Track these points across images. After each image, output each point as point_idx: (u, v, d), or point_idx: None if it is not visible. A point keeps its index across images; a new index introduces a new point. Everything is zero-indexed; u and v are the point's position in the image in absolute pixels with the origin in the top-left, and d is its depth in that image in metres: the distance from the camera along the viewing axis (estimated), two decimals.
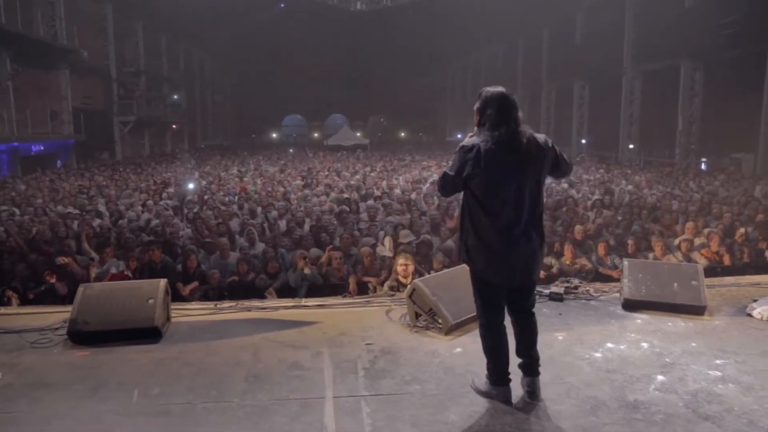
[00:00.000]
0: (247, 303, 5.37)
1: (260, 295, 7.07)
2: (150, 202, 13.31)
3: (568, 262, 7.91)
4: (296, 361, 4.03)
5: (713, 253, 8.37)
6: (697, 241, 8.81)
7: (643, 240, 8.83)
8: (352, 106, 63.92)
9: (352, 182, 17.04)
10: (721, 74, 22.23)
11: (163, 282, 4.82)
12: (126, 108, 31.50)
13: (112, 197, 14.22)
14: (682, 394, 3.52)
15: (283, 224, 10.58)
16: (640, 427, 3.16)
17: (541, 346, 4.12)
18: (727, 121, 21.50)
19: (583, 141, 33.48)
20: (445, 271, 5.18)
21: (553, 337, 4.42)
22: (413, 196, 13.60)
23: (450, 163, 3.30)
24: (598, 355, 4.11)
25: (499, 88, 3.26)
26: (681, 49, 23.19)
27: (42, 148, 24.11)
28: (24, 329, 4.75)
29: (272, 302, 5.46)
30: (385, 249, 7.48)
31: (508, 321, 3.46)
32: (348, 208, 11.64)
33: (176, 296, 7.09)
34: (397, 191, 14.62)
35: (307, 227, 10.08)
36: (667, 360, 4.03)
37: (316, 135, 64.07)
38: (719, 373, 3.81)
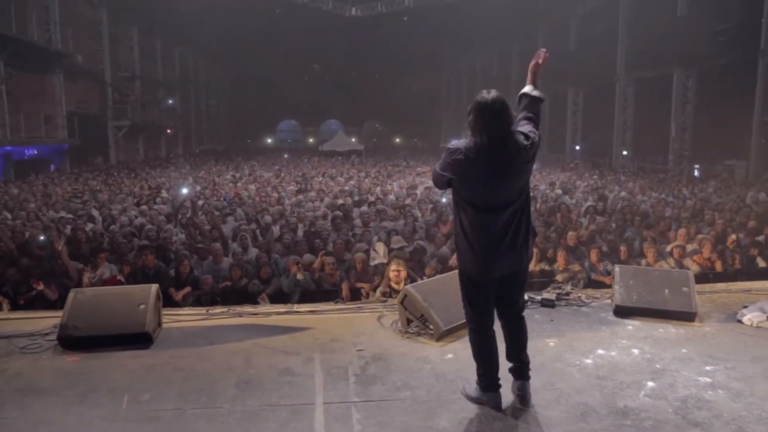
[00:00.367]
0: (239, 308, 5.36)
1: (253, 300, 7.06)
2: (144, 207, 13.29)
3: (560, 269, 7.93)
4: (287, 367, 4.03)
5: (705, 260, 8.42)
6: (690, 248, 8.85)
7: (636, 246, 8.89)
8: (348, 112, 63.97)
9: (346, 188, 17.06)
10: (714, 81, 22.39)
11: (154, 287, 4.81)
12: (120, 112, 31.45)
13: (104, 202, 14.16)
14: (671, 401, 3.53)
15: (276, 230, 10.57)
16: None
17: (532, 353, 4.13)
18: (720, 128, 21.64)
19: (577, 147, 33.61)
20: (437, 277, 5.19)
21: (544, 344, 4.43)
22: (408, 201, 13.62)
23: (440, 162, 3.33)
24: (588, 361, 4.12)
25: (489, 94, 3.23)
26: (673, 56, 23.35)
27: (35, 152, 24.02)
28: (14, 334, 4.73)
29: (264, 308, 5.45)
30: (378, 255, 7.47)
31: (497, 327, 3.47)
32: (342, 214, 11.65)
33: (169, 301, 7.10)
34: (392, 197, 14.64)
35: (300, 233, 10.08)
36: (658, 366, 4.04)
37: (311, 140, 64.18)
38: (709, 380, 3.82)
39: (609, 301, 5.38)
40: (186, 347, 4.49)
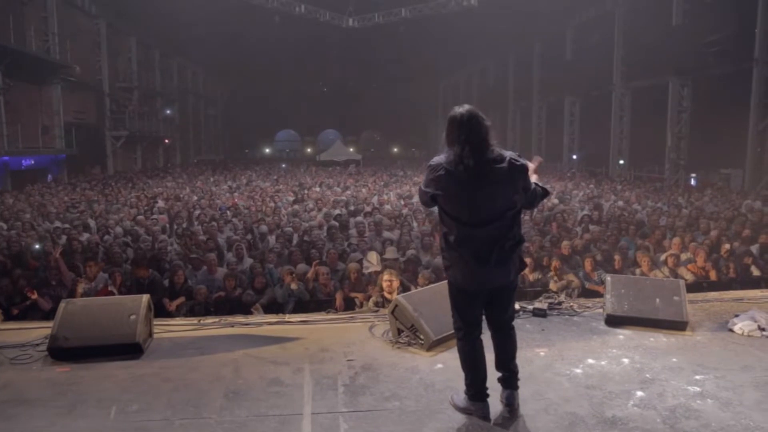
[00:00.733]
0: (230, 319, 5.36)
1: (247, 310, 7.06)
2: (140, 217, 13.29)
3: (555, 278, 7.94)
4: (276, 377, 4.02)
5: (699, 268, 8.43)
6: (684, 257, 8.87)
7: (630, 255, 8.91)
8: (346, 122, 64.08)
9: (343, 198, 17.08)
10: (709, 91, 22.48)
11: (145, 298, 4.81)
12: (118, 123, 31.47)
13: (100, 212, 14.16)
14: (660, 410, 3.53)
15: (272, 240, 10.58)
16: None
17: (522, 362, 4.14)
18: (716, 136, 21.69)
19: (574, 156, 33.68)
20: (428, 287, 5.19)
21: (535, 353, 4.43)
22: (404, 211, 13.64)
23: (424, 179, 3.38)
24: (578, 371, 4.12)
25: (461, 109, 3.28)
26: (669, 66, 23.44)
27: (33, 162, 24.02)
28: (5, 345, 4.72)
29: (256, 318, 5.45)
30: (371, 264, 7.47)
31: (486, 336, 3.47)
32: (338, 224, 11.66)
33: (162, 311, 7.10)
34: (388, 207, 14.65)
35: (295, 243, 10.09)
36: (647, 376, 4.04)
37: (309, 150, 64.22)
38: (698, 389, 3.82)
39: (601, 310, 5.39)
40: (176, 358, 4.48)
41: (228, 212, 13.70)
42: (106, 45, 30.84)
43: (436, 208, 3.43)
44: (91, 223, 12.53)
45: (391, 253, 8.21)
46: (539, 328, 5.03)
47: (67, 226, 11.85)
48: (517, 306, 5.42)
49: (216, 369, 4.22)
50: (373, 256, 7.78)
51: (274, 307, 7.24)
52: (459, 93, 53.99)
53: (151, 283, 7.51)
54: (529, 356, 4.36)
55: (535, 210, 13.78)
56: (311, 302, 7.30)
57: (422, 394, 3.73)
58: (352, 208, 14.51)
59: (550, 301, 5.58)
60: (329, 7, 31.28)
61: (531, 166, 3.52)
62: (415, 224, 11.85)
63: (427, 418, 3.42)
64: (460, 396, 3.49)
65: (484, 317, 3.48)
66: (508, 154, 3.27)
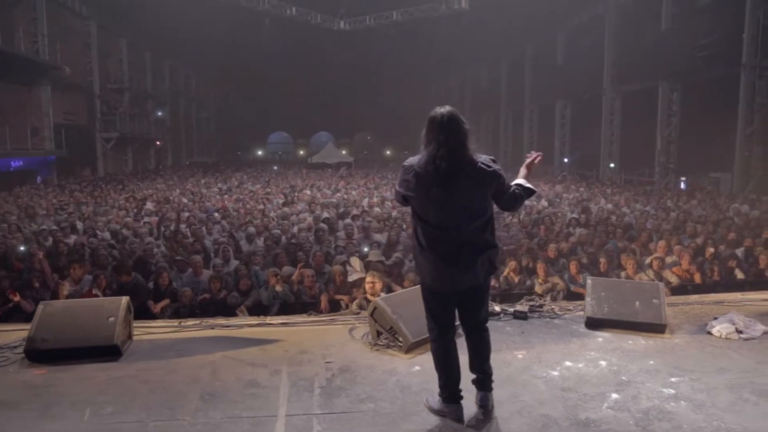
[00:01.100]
0: (211, 321, 5.35)
1: (232, 312, 7.05)
2: (128, 219, 13.25)
3: (540, 281, 7.97)
4: (253, 379, 4.02)
5: (684, 271, 8.48)
6: (669, 260, 8.92)
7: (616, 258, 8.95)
8: (338, 124, 64.08)
9: (333, 200, 17.07)
10: (699, 95, 22.65)
11: (124, 300, 4.79)
12: (109, 124, 31.36)
13: (88, 214, 14.10)
14: (634, 412, 3.55)
15: (260, 242, 10.56)
16: None
17: (499, 365, 4.17)
18: (706, 140, 21.85)
19: (566, 160, 33.82)
20: (407, 289, 5.20)
21: (513, 356, 4.44)
22: (394, 213, 13.64)
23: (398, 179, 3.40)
24: (555, 373, 4.13)
25: (442, 109, 3.27)
26: (658, 70, 23.62)
27: (22, 163, 23.91)
28: None
29: (237, 320, 5.44)
30: (354, 270, 7.46)
31: (460, 339, 3.48)
32: (327, 226, 11.66)
33: (148, 314, 7.08)
34: (377, 209, 14.66)
35: (282, 245, 10.07)
36: (623, 378, 4.06)
37: (301, 152, 64.19)
38: (673, 391, 3.84)
39: (582, 312, 5.40)
40: (155, 360, 4.47)
41: (216, 214, 13.66)
42: (97, 46, 30.75)
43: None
44: (79, 225, 12.47)
45: (374, 255, 8.21)
46: (519, 330, 5.04)
47: (54, 227, 11.79)
48: (498, 308, 5.44)
49: (194, 371, 4.21)
50: (356, 262, 7.77)
51: (259, 309, 7.22)
52: (452, 96, 54.12)
53: (135, 285, 7.48)
54: (508, 359, 4.37)
55: (523, 213, 13.85)
56: (296, 304, 7.28)
57: (398, 396, 3.74)
58: (341, 210, 14.51)
59: (531, 303, 5.59)
60: (320, 9, 31.31)
61: (527, 160, 3.56)
62: (405, 227, 11.86)
63: (401, 420, 3.43)
64: (435, 398, 3.49)
65: (457, 319, 3.50)
66: (482, 158, 3.26)
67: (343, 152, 48.59)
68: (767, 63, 18.99)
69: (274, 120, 62.45)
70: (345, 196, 18.56)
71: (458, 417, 3.37)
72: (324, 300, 7.14)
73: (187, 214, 13.75)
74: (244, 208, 15.05)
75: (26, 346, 4.48)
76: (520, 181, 3.49)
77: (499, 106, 42.64)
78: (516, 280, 8.09)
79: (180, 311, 7.32)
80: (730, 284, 8.17)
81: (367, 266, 7.41)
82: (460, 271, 3.25)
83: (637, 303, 5.13)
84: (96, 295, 6.88)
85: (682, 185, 23.53)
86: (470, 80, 49.03)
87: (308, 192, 20.43)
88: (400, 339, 4.45)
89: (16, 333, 5.06)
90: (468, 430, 3.32)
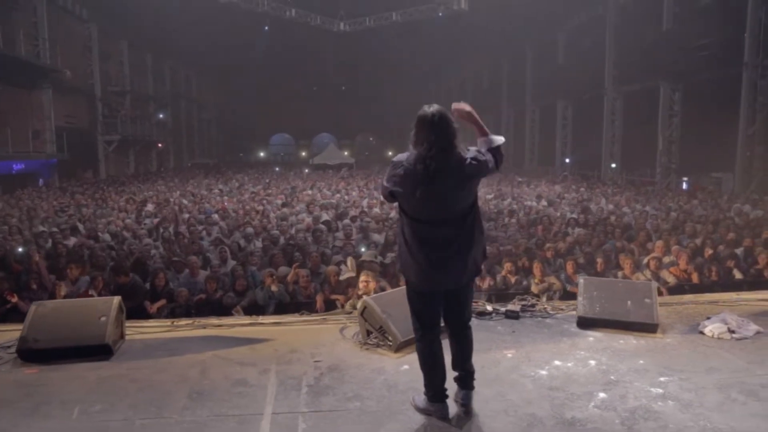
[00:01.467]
0: (203, 320, 5.36)
1: (228, 313, 7.06)
2: (128, 221, 13.29)
3: (537, 281, 7.96)
4: (242, 378, 4.03)
5: (681, 271, 8.46)
6: (667, 260, 8.90)
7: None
8: (340, 125, 64.19)
9: (332, 201, 17.10)
10: (700, 95, 22.58)
11: (116, 300, 4.81)
12: (110, 127, 31.44)
13: (89, 215, 14.15)
14: (620, 412, 3.54)
15: (258, 243, 10.59)
16: None
17: (488, 363, 4.19)
18: (707, 140, 21.79)
19: (567, 160, 33.78)
20: (397, 288, 5.19)
21: (502, 355, 4.44)
22: (392, 214, 13.65)
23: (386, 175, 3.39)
24: (543, 372, 4.13)
25: (431, 108, 3.27)
26: (660, 70, 23.56)
27: (23, 166, 23.98)
28: None
29: (229, 320, 5.46)
30: (347, 269, 7.47)
31: (445, 340, 3.49)
32: (326, 227, 11.68)
33: (145, 314, 7.10)
34: (376, 210, 14.66)
35: (279, 246, 10.09)
36: (612, 377, 4.05)
37: (303, 154, 64.21)
38: (661, 391, 3.84)
39: (574, 312, 5.40)
40: (145, 359, 4.49)
41: (215, 215, 13.69)
42: (98, 49, 30.84)
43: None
44: (80, 226, 12.50)
45: (368, 255, 8.22)
46: (510, 329, 5.04)
47: (54, 229, 11.83)
48: (490, 308, 5.45)
49: (183, 370, 4.22)
50: (351, 262, 7.78)
51: (254, 309, 7.23)
52: (453, 97, 53.91)
53: (132, 286, 7.50)
54: (497, 358, 4.37)
55: (522, 213, 13.86)
56: (291, 304, 7.29)
57: (385, 395, 3.75)
58: (341, 210, 14.52)
59: (523, 303, 5.59)
60: (320, 11, 31.35)
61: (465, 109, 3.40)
62: None
63: (386, 418, 3.43)
64: (421, 397, 3.50)
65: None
66: (470, 154, 3.26)
67: (345, 153, 48.64)
68: None
69: (275, 121, 62.54)
70: (345, 197, 18.59)
71: (443, 415, 3.38)
72: (320, 300, 7.15)
73: (187, 216, 13.79)
74: (243, 209, 15.07)
75: (18, 345, 4.50)
76: (483, 141, 3.41)
77: (501, 106, 42.61)
78: (512, 280, 8.09)
79: (176, 311, 7.35)
80: (727, 284, 8.14)
81: (361, 266, 7.41)
82: (446, 269, 3.26)
83: (629, 302, 5.13)
84: (92, 296, 6.91)
85: (684, 185, 23.48)
86: (471, 81, 49.00)
87: (309, 192, 20.48)
88: (390, 338, 4.46)
89: (10, 333, 5.08)
90: (453, 429, 3.32)
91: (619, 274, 8.21)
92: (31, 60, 23.17)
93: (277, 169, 40.18)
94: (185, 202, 17.46)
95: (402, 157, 3.29)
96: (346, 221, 12.45)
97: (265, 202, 16.99)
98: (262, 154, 66.86)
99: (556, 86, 33.03)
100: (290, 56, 39.69)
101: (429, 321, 3.41)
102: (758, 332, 4.90)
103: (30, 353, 4.49)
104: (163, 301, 7.51)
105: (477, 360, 3.90)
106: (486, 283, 7.86)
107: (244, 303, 7.42)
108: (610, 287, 5.37)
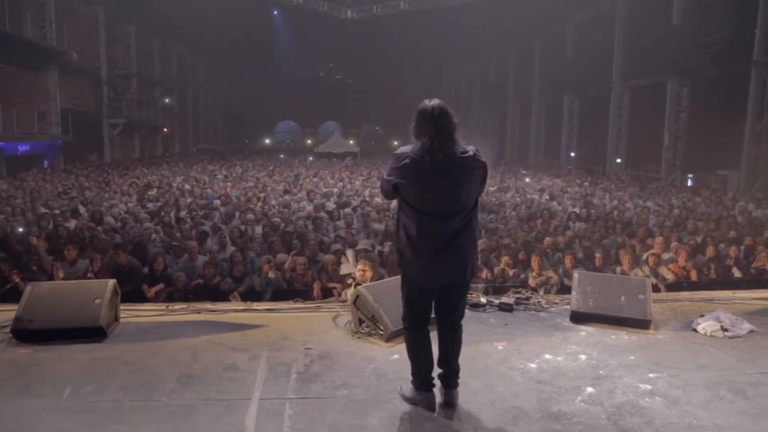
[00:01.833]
0: (198, 305, 5.39)
1: (225, 298, 7.10)
2: (130, 205, 13.35)
3: (534, 274, 7.96)
4: (233, 363, 4.06)
5: (681, 268, 8.44)
6: (666, 256, 8.88)
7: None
8: (346, 114, 64.02)
9: (335, 189, 17.11)
10: (708, 91, 22.42)
11: (111, 282, 4.84)
12: (116, 110, 31.50)
13: (90, 198, 14.21)
14: (607, 407, 3.55)
15: (258, 229, 10.62)
16: None
17: (479, 355, 4.21)
18: (714, 137, 21.65)
19: (572, 154, 33.66)
20: (391, 278, 5.20)
21: (493, 347, 4.45)
22: (393, 203, 13.63)
23: (387, 169, 3.39)
24: (533, 365, 4.14)
25: (431, 102, 3.29)
26: (668, 65, 23.38)
27: (28, 148, 24.07)
28: None
29: (223, 305, 5.48)
30: (347, 262, 7.45)
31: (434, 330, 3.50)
32: (327, 215, 11.71)
33: (142, 298, 7.15)
34: (377, 199, 14.67)
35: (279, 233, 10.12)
36: (601, 372, 4.06)
37: (309, 141, 64.16)
38: (649, 387, 3.84)
39: (568, 306, 5.40)
40: (138, 342, 4.52)
41: (217, 201, 13.72)
42: (105, 32, 30.81)
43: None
44: (81, 209, 12.56)
45: (363, 243, 8.23)
46: (503, 322, 5.05)
47: (56, 211, 11.89)
48: (483, 300, 5.46)
49: (175, 353, 4.25)
50: (350, 255, 7.75)
51: (252, 296, 7.27)
52: (460, 88, 53.93)
53: (131, 269, 7.56)
54: (488, 350, 4.39)
55: (523, 206, 13.84)
56: (289, 291, 7.33)
57: (373, 384, 3.76)
58: (344, 199, 14.53)
59: (518, 296, 5.60)
60: None
61: None
62: None
63: (372, 407, 3.45)
64: (408, 386, 3.52)
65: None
66: (471, 149, 3.30)
67: (350, 142, 48.57)
68: None
69: (282, 109, 62.40)
70: (349, 186, 18.60)
71: (430, 405, 3.39)
72: (317, 288, 7.19)
73: (189, 200, 13.83)
74: (245, 195, 15.10)
75: (13, 325, 4.54)
76: None
77: (507, 99, 42.44)
78: (510, 273, 8.09)
79: (173, 296, 7.40)
80: (726, 282, 8.12)
81: (358, 254, 7.42)
82: (447, 263, 3.27)
83: (623, 298, 5.12)
84: (90, 278, 6.96)
85: (689, 182, 23.38)
86: (478, 73, 48.73)
87: (315, 180, 20.50)
88: (381, 327, 4.47)
89: (7, 313, 5.10)
90: (438, 418, 3.34)
91: (618, 269, 8.21)
92: (38, 42, 23.20)
93: (281, 156, 40.19)
94: (188, 187, 17.51)
95: (406, 149, 3.30)
96: (347, 210, 12.46)
97: (268, 188, 17.02)
98: (267, 141, 66.81)
99: (564, 80, 32.86)
100: (297, 43, 39.58)
101: (421, 315, 3.43)
102: (751, 331, 4.89)
103: (25, 333, 4.53)
104: (161, 286, 7.57)
105: (467, 351, 3.93)
106: (484, 274, 7.87)
107: (242, 289, 7.46)
108: (604, 282, 5.37)
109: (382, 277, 6.60)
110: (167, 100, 40.49)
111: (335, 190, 17.09)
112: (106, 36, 31.00)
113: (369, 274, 6.30)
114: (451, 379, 3.46)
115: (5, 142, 21.56)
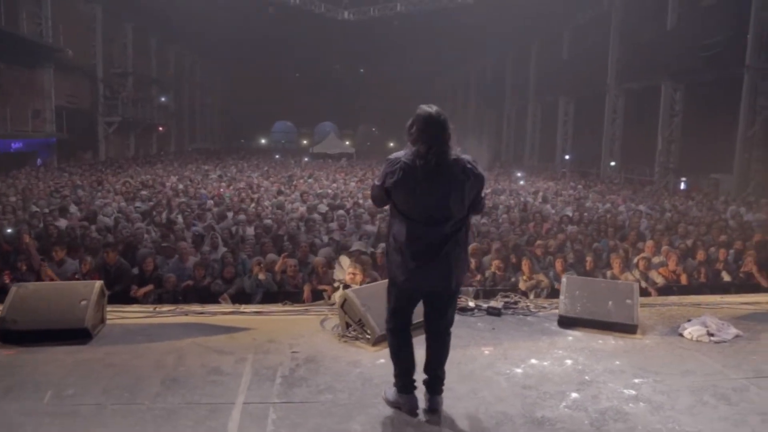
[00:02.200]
0: (186, 307, 5.38)
1: (215, 300, 7.07)
2: (122, 204, 13.30)
3: (525, 278, 7.96)
4: (217, 366, 4.05)
5: (671, 272, 8.46)
6: (657, 260, 8.90)
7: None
8: (343, 115, 64.00)
9: (329, 191, 17.10)
10: (701, 95, 22.52)
11: (98, 284, 4.82)
12: (111, 108, 31.38)
13: (82, 198, 14.15)
14: (591, 412, 3.55)
15: (250, 230, 10.59)
16: None
17: (465, 360, 4.21)
18: (707, 141, 21.76)
19: (567, 156, 33.73)
20: (378, 282, 5.20)
21: (480, 351, 4.45)
22: (386, 206, 13.62)
23: (378, 175, 3.39)
24: (519, 370, 4.14)
25: (431, 108, 3.29)
26: (662, 69, 23.47)
27: (22, 145, 23.97)
28: None
29: (211, 307, 5.46)
30: (341, 269, 7.40)
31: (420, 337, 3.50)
32: (320, 217, 11.70)
33: (132, 298, 7.11)
34: (370, 201, 14.64)
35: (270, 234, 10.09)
36: (587, 378, 4.06)
37: (305, 142, 64.11)
38: (634, 392, 3.84)
39: (556, 311, 5.40)
40: (123, 344, 4.50)
41: (210, 201, 13.69)
42: (101, 30, 30.70)
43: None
44: (73, 208, 12.50)
45: (360, 245, 8.22)
46: (490, 326, 5.05)
47: (47, 210, 11.84)
48: (472, 304, 5.46)
49: (160, 356, 4.24)
50: (345, 261, 7.69)
51: (242, 297, 7.24)
52: (457, 89, 54.02)
53: (119, 270, 7.51)
54: (474, 354, 4.38)
55: (517, 209, 13.86)
56: (279, 293, 7.30)
57: (358, 388, 3.76)
58: (338, 201, 14.51)
59: (506, 300, 5.60)
60: None
61: None
62: None
63: (356, 411, 3.44)
64: (391, 390, 3.51)
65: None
66: (466, 158, 3.31)
67: (346, 143, 48.59)
68: None
69: (278, 109, 62.33)
70: (343, 187, 18.59)
71: (412, 408, 3.39)
72: (307, 290, 7.15)
73: (182, 200, 13.79)
74: (238, 196, 15.08)
75: None
76: None
77: (504, 101, 42.51)
78: (501, 276, 8.09)
79: (163, 297, 7.36)
80: (715, 287, 8.15)
81: (350, 256, 7.41)
82: (435, 270, 3.26)
83: (611, 303, 5.13)
84: (78, 279, 6.92)
85: (682, 185, 23.46)
86: (475, 74, 48.81)
87: (310, 181, 20.48)
88: (368, 331, 4.47)
89: None
90: (421, 423, 3.34)
91: (609, 273, 8.22)
92: (34, 39, 23.10)
93: (277, 156, 40.14)
94: (181, 186, 17.46)
95: (399, 154, 3.29)
96: (341, 212, 12.45)
97: (262, 189, 17.00)
98: (263, 141, 66.75)
99: (559, 82, 32.94)
100: (294, 44, 39.54)
101: (404, 319, 3.44)
102: (737, 336, 4.91)
103: (8, 334, 4.50)
104: (150, 287, 7.51)
105: (454, 356, 3.92)
106: (475, 278, 7.87)
107: (232, 291, 7.43)
108: (592, 287, 5.37)
109: (374, 280, 6.60)
110: (163, 99, 40.38)
111: (329, 191, 17.07)
112: (103, 34, 30.87)
113: (359, 277, 6.30)
114: (435, 385, 3.45)
115: None
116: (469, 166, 3.28)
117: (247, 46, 39.85)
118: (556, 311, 5.38)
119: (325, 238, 9.95)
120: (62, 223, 10.53)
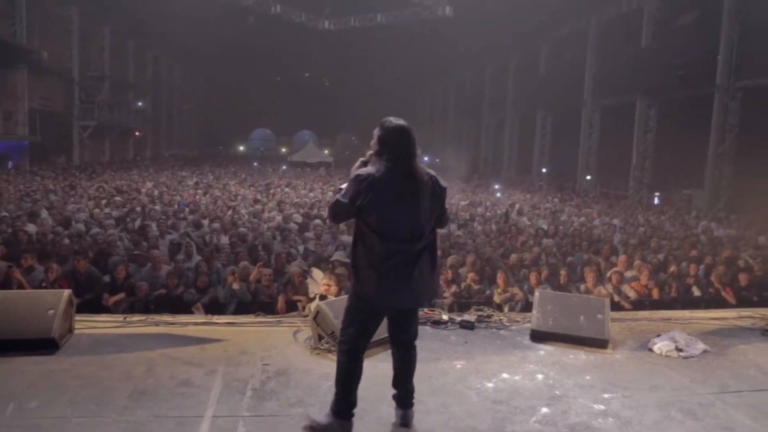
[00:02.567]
0: (157, 317, 5.30)
1: (188, 309, 6.98)
2: (96, 210, 13.09)
3: (499, 291, 8.00)
4: (187, 378, 3.99)
5: (643, 287, 8.57)
6: (629, 274, 9.01)
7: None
8: (322, 123, 63.90)
9: (306, 200, 17.04)
10: (674, 112, 22.97)
11: (66, 292, 4.73)
12: (87, 112, 30.96)
13: (54, 203, 13.89)
14: (560, 427, 3.58)
15: (224, 239, 10.49)
16: None
17: (437, 374, 4.20)
18: (680, 157, 22.20)
19: (544, 170, 34.10)
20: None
21: (451, 365, 4.46)
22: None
23: (343, 191, 3.25)
24: (490, 385, 4.15)
25: (397, 121, 3.28)
26: (636, 86, 23.93)
27: None
28: None
29: (183, 318, 5.39)
30: (315, 282, 7.36)
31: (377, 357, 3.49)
32: (296, 226, 11.64)
33: (102, 307, 6.98)
34: None
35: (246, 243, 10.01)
36: (557, 392, 4.09)
37: (283, 150, 63.87)
38: (603, 407, 3.88)
39: (529, 324, 5.44)
40: (91, 354, 4.42)
41: (186, 209, 13.55)
42: (78, 33, 30.32)
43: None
44: (44, 213, 12.26)
45: (340, 255, 8.20)
46: (463, 340, 5.06)
47: (18, 213, 11.60)
48: (445, 317, 5.47)
49: (129, 367, 4.17)
50: (318, 274, 7.65)
51: (215, 307, 7.16)
52: (436, 101, 54.37)
53: (89, 278, 7.38)
54: (446, 368, 4.39)
55: (493, 222, 13.95)
56: (254, 304, 7.23)
57: (329, 402, 3.71)
58: (315, 211, 14.45)
59: (480, 313, 5.62)
60: (305, 8, 31.26)
61: None
62: None
63: None
64: (324, 413, 3.37)
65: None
66: (432, 173, 3.32)
67: (325, 152, 48.49)
68: (740, 85, 19.32)
69: (257, 116, 62.07)
70: (321, 196, 18.53)
71: None
72: (281, 300, 7.09)
73: (157, 207, 13.62)
74: (214, 204, 14.94)
75: None
76: None
77: (482, 113, 42.87)
78: (476, 288, 8.13)
79: (135, 306, 7.24)
80: (686, 302, 8.27)
81: (333, 265, 7.38)
82: (408, 287, 3.23)
83: (582, 317, 5.18)
84: (45, 287, 6.78)
85: (656, 200, 23.87)
86: (454, 86, 49.19)
87: (287, 190, 20.38)
88: None
89: None
90: None
91: (582, 287, 8.30)
92: (7, 39, 22.71)
93: (255, 164, 39.91)
94: (156, 193, 17.26)
95: (368, 170, 3.21)
96: (317, 221, 12.40)
97: (239, 197, 16.87)
98: (241, 148, 66.38)
99: (537, 97, 33.36)
100: (274, 52, 39.48)
101: (368, 336, 3.38)
102: (705, 351, 4.99)
103: None
104: (122, 295, 7.38)
105: (425, 369, 3.93)
106: (450, 290, 7.89)
107: (205, 300, 7.34)
108: (564, 301, 5.43)
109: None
110: (140, 104, 39.96)
111: (307, 200, 17.01)
112: (80, 36, 30.51)
113: (334, 288, 6.28)
114: (406, 399, 3.43)
115: None
116: (434, 178, 3.29)
117: (226, 52, 39.67)
118: (529, 325, 5.42)
119: (301, 248, 9.90)
120: (31, 228, 10.31)
